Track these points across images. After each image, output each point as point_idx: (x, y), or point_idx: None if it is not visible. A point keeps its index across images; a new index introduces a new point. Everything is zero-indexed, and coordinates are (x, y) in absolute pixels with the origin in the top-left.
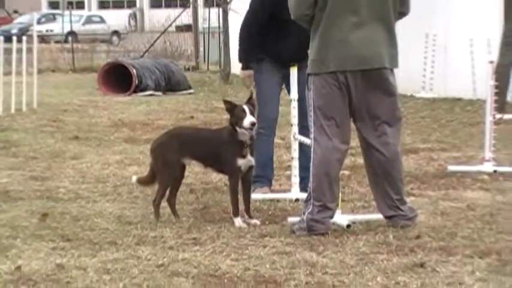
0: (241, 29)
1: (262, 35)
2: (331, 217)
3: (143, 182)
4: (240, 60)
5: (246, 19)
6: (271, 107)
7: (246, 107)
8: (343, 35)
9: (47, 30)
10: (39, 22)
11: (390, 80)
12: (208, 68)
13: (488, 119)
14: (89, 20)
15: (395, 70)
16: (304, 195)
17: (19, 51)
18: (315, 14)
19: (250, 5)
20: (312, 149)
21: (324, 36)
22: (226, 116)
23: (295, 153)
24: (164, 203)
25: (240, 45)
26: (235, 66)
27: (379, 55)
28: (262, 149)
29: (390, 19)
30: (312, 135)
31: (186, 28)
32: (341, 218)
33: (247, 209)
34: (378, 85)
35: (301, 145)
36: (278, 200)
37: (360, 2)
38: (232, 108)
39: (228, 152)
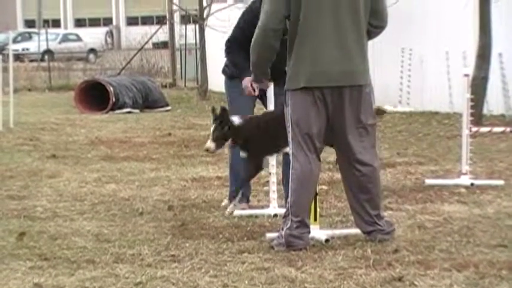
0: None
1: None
2: (310, 232)
3: None
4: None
5: (230, 39)
6: None
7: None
8: (315, 51)
9: (23, 49)
10: (15, 41)
11: (366, 97)
12: (185, 85)
13: (465, 132)
14: (65, 38)
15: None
16: (282, 211)
17: None
18: (287, 28)
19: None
20: (290, 165)
21: (297, 51)
22: (204, 132)
23: (273, 169)
24: (142, 220)
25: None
26: (213, 83)
27: (352, 72)
28: (238, 164)
29: (362, 34)
30: (290, 151)
31: (163, 45)
32: (319, 233)
33: None
34: (354, 102)
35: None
36: (256, 216)
37: (333, 18)
38: None
39: None
